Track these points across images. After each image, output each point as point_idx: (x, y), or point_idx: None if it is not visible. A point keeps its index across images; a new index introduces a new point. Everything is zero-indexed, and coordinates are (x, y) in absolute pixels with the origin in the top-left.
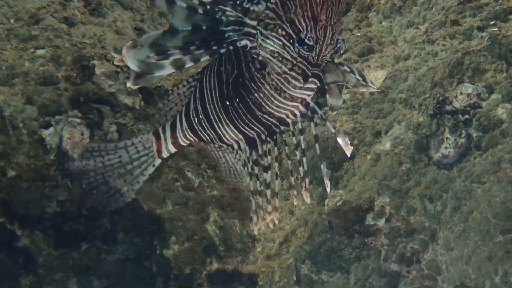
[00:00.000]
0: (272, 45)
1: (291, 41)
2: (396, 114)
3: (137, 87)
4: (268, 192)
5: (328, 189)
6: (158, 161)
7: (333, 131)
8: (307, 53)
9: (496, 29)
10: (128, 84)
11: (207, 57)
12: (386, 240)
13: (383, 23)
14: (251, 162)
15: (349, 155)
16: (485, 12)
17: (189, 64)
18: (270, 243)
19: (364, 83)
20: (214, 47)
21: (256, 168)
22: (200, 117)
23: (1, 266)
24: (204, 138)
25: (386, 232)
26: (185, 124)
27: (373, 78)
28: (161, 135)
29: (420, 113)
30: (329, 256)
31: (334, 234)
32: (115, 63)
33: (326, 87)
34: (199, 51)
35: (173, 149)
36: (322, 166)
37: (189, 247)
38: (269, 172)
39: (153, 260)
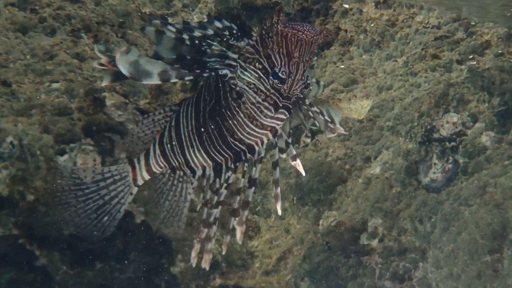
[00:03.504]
0: (249, 77)
1: (266, 74)
2: (384, 141)
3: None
4: (214, 228)
5: (279, 211)
6: (135, 189)
7: (294, 153)
8: (280, 85)
9: (474, 62)
10: (103, 84)
11: (191, 77)
12: (380, 259)
13: (364, 56)
14: (210, 191)
15: (304, 175)
16: (462, 47)
17: (174, 80)
18: (267, 259)
19: (332, 125)
20: (198, 71)
21: (209, 198)
22: (174, 143)
23: (22, 284)
24: (173, 163)
25: (379, 251)
26: (158, 151)
27: (359, 107)
28: (136, 164)
29: (408, 140)
30: (327, 274)
31: (332, 254)
32: (101, 62)
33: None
34: (184, 70)
35: (147, 176)
36: (275, 189)
37: None
38: (219, 207)
39: (162, 278)
